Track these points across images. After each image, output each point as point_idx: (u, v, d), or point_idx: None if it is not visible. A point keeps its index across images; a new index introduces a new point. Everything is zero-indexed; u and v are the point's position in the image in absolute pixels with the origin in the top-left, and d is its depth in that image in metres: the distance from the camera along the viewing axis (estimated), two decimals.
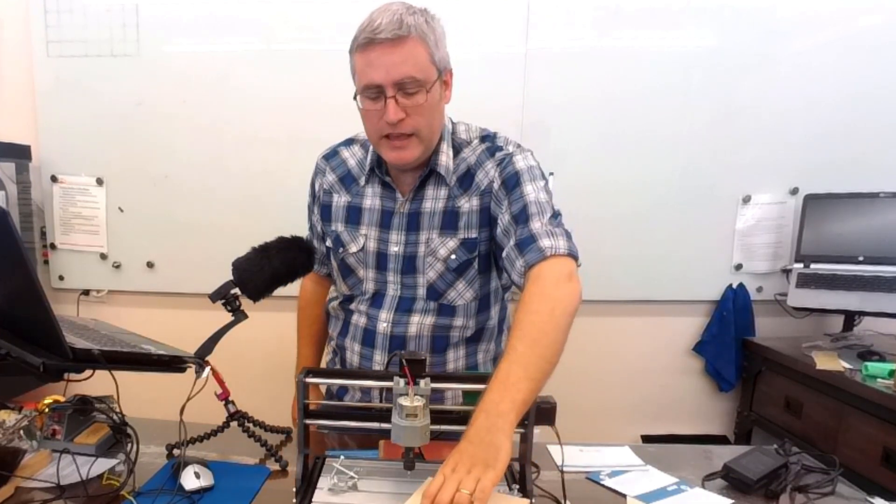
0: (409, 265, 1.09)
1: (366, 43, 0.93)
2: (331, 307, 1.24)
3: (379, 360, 1.11)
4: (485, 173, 1.06)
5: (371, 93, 0.95)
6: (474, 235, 1.07)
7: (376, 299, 1.13)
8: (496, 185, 1.04)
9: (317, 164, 1.21)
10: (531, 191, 1.00)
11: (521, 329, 0.82)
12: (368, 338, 1.13)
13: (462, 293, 1.09)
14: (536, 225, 0.96)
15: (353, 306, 1.16)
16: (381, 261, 1.11)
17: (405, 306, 1.11)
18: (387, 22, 0.91)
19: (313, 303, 1.33)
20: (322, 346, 1.35)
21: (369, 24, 0.93)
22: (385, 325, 1.11)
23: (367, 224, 1.12)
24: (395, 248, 1.10)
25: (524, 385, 0.75)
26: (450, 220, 1.07)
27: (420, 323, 1.10)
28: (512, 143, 1.09)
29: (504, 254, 0.99)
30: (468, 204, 1.07)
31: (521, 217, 0.98)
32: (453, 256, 1.07)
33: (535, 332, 0.81)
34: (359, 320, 1.15)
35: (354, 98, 1.00)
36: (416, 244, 1.09)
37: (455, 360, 1.13)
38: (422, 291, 1.10)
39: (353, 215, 1.14)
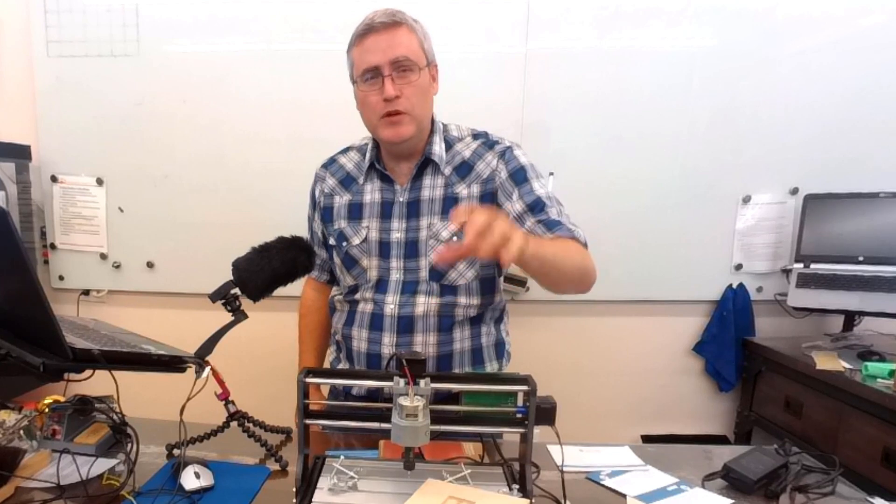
0: (412, 249, 1.14)
1: (363, 31, 1.06)
2: (335, 300, 1.26)
3: (387, 342, 1.14)
4: (486, 164, 1.15)
5: (369, 75, 1.06)
6: None
7: (381, 285, 1.16)
8: (503, 175, 1.13)
9: (316, 174, 1.28)
10: (539, 187, 1.13)
11: (554, 242, 1.00)
12: (376, 322, 1.15)
13: (463, 273, 1.14)
14: (554, 213, 1.09)
15: (358, 295, 1.19)
16: (384, 248, 1.16)
17: (409, 289, 1.15)
18: (381, 14, 1.05)
19: (314, 310, 1.36)
20: (324, 352, 1.37)
21: (365, 20, 1.06)
22: (392, 307, 1.14)
23: (368, 217, 1.18)
24: (396, 235, 1.15)
25: (538, 244, 0.91)
26: (449, 206, 1.14)
27: (426, 303, 1.14)
28: (505, 139, 1.19)
29: (528, 231, 1.08)
30: (467, 190, 1.14)
31: (537, 207, 1.10)
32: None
33: (562, 250, 0.99)
34: (365, 307, 1.17)
35: (354, 82, 1.10)
36: (418, 229, 1.14)
37: (461, 339, 1.17)
38: (424, 273, 1.14)
39: (355, 211, 1.19)
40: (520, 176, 1.12)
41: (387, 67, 1.04)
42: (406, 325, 1.14)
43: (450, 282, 1.14)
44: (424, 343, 1.14)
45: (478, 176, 1.14)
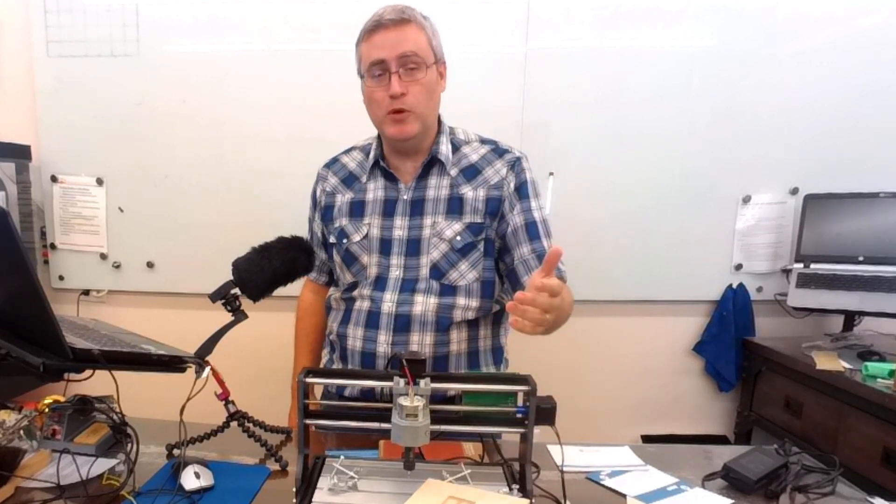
0: (413, 247, 1.14)
1: (372, 27, 1.06)
2: (332, 299, 1.25)
3: (383, 340, 1.13)
4: (495, 171, 1.16)
5: (376, 70, 1.07)
6: (480, 221, 1.14)
7: (379, 283, 1.16)
8: (510, 187, 1.15)
9: (318, 174, 1.27)
10: (536, 207, 1.16)
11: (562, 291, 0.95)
12: (372, 320, 1.15)
13: (464, 274, 1.14)
14: (546, 243, 1.14)
15: (356, 293, 1.18)
16: (385, 246, 1.16)
17: (408, 287, 1.14)
18: (390, 10, 1.06)
19: (312, 313, 1.35)
20: (319, 355, 1.36)
21: (374, 16, 1.07)
22: (390, 304, 1.13)
23: (370, 214, 1.18)
24: (399, 233, 1.15)
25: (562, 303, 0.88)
26: (455, 206, 1.15)
27: (424, 302, 1.13)
28: (514, 149, 1.20)
29: (520, 258, 1.13)
30: (473, 193, 1.15)
31: (533, 231, 1.14)
32: (458, 238, 1.13)
33: (566, 303, 0.97)
34: (362, 304, 1.17)
35: (361, 76, 1.11)
36: (421, 227, 1.14)
37: (458, 341, 1.16)
38: (424, 271, 1.14)
39: (357, 209, 1.19)
40: (524, 191, 1.16)
41: (394, 63, 1.04)
42: (403, 323, 1.13)
43: (450, 282, 1.14)
44: (421, 343, 1.13)
45: (485, 181, 1.15)
